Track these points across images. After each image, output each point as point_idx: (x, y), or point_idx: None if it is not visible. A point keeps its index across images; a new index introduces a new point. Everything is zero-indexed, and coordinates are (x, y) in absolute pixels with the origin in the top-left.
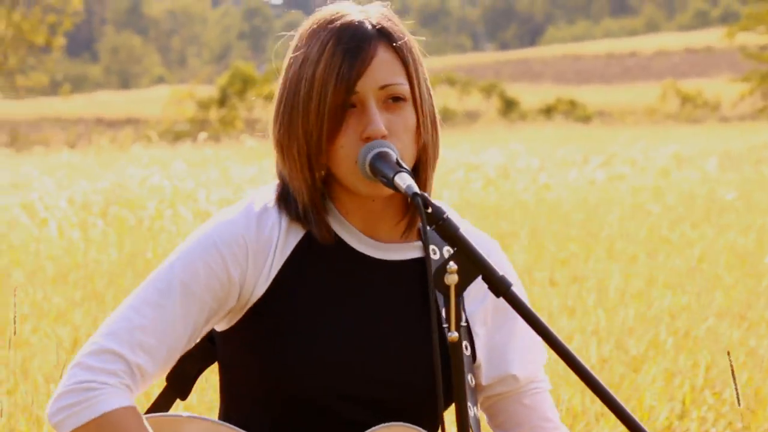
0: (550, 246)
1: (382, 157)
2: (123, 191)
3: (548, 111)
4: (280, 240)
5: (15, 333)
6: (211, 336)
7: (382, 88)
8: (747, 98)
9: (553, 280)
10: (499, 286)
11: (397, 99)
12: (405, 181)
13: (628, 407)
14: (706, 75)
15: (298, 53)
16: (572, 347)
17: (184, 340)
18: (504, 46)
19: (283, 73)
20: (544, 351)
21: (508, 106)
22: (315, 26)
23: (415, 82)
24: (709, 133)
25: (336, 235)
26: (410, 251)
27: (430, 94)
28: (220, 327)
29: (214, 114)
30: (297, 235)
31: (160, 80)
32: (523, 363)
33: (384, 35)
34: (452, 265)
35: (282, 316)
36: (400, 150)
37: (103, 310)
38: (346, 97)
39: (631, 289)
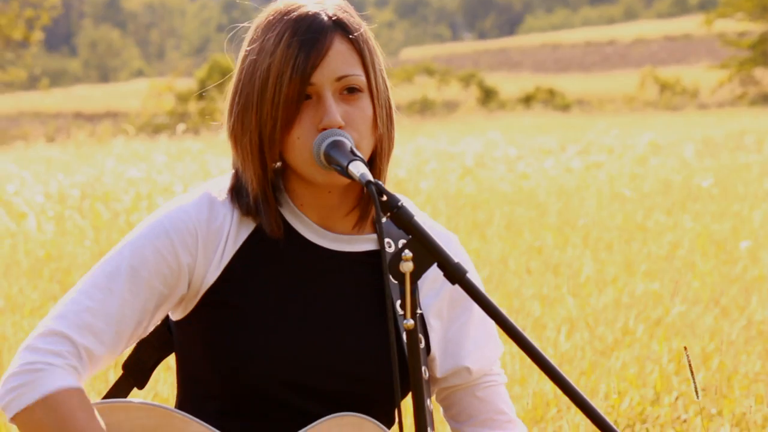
0: (526, 234)
1: (336, 145)
2: (99, 185)
3: (527, 100)
4: (232, 229)
5: None
6: (169, 325)
7: (339, 79)
8: (726, 85)
9: (528, 268)
10: (454, 273)
11: (353, 90)
12: (359, 169)
13: (600, 393)
14: (684, 62)
15: (253, 45)
16: (545, 335)
17: (132, 324)
18: (483, 35)
19: (238, 64)
20: (500, 344)
21: (487, 95)
22: (271, 18)
23: (372, 73)
24: (688, 121)
25: (289, 226)
26: (365, 243)
27: (386, 86)
28: (176, 316)
29: (193, 106)
30: (249, 226)
31: (139, 73)
32: (477, 356)
33: (340, 26)
34: (407, 253)
35: (233, 305)
36: (357, 141)
37: None
38: (302, 89)
39: (605, 277)
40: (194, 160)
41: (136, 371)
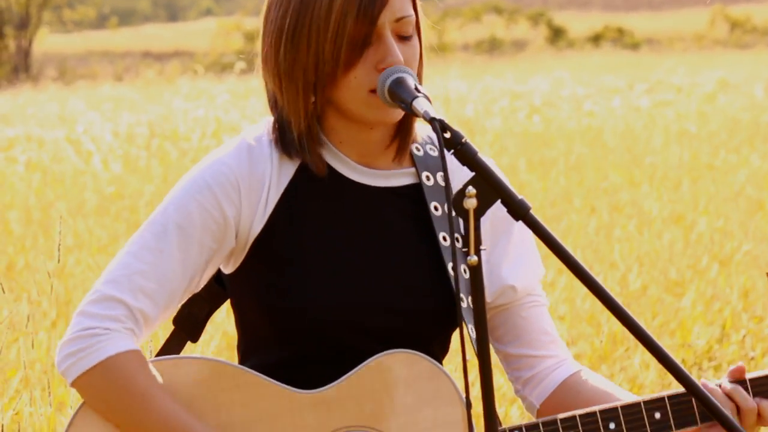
0: (590, 173)
1: (401, 82)
2: (167, 124)
3: (596, 39)
4: (274, 175)
5: (59, 261)
6: (218, 278)
7: (398, 20)
8: None
9: (593, 207)
10: (519, 210)
11: (407, 32)
12: (423, 106)
13: (668, 332)
14: (755, 0)
15: None
16: (613, 274)
17: (184, 282)
18: None
19: None
20: (541, 265)
21: (556, 34)
22: None
23: (419, 13)
24: (758, 59)
25: (330, 166)
26: (404, 177)
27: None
28: (228, 269)
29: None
30: (290, 169)
31: (208, 12)
32: (521, 274)
33: None
34: (471, 190)
35: (281, 253)
36: None
37: None
38: (369, 30)
39: (672, 215)
40: (260, 99)
41: (188, 325)
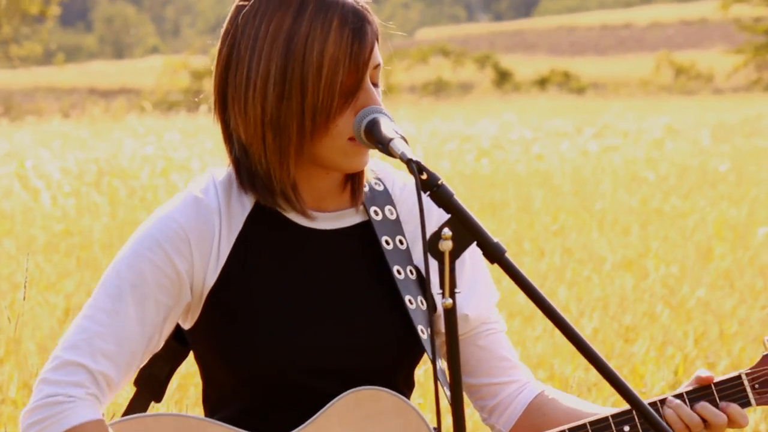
0: (541, 216)
1: (377, 123)
2: (116, 161)
3: (542, 82)
4: (224, 226)
5: (24, 298)
6: (177, 335)
7: (376, 67)
8: (741, 70)
9: (543, 250)
10: (494, 252)
11: (377, 78)
12: (400, 147)
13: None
14: (700, 47)
15: (284, 20)
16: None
17: (143, 341)
18: (498, 17)
19: (266, 40)
20: (495, 291)
21: (502, 77)
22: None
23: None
24: (703, 105)
25: (280, 213)
26: (352, 217)
27: None
28: (186, 325)
29: (208, 84)
30: (240, 218)
31: (154, 50)
32: (473, 304)
33: (369, 13)
34: (447, 232)
35: (237, 302)
36: None
37: (96, 278)
38: (359, 77)
39: (623, 260)
40: (210, 137)
41: (150, 385)
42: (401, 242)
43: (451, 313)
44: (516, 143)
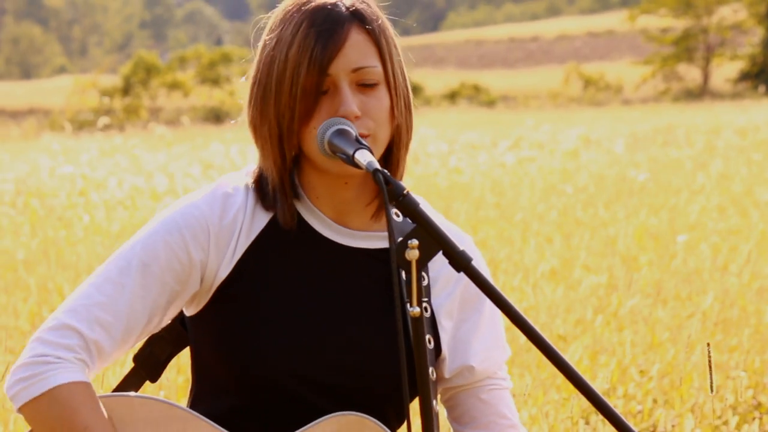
0: (464, 229)
1: (341, 134)
2: (33, 181)
3: (452, 96)
4: (246, 224)
5: None
6: (183, 321)
7: (355, 70)
8: (649, 81)
9: None
10: (460, 261)
11: (370, 80)
12: (365, 157)
13: (554, 386)
14: (608, 58)
15: (272, 35)
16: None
17: (143, 319)
18: (406, 32)
19: (257, 55)
20: (507, 349)
21: (413, 91)
22: (289, 8)
23: (389, 64)
24: (613, 116)
25: (303, 220)
26: (379, 240)
27: (404, 77)
28: (189, 311)
29: (118, 103)
30: (263, 220)
31: (62, 70)
32: (483, 356)
33: (357, 17)
34: (413, 241)
35: (244, 300)
36: (374, 130)
37: (24, 299)
38: (319, 80)
39: (552, 270)
40: (125, 155)
41: (148, 365)
42: (423, 278)
43: (418, 323)
44: (433, 156)
